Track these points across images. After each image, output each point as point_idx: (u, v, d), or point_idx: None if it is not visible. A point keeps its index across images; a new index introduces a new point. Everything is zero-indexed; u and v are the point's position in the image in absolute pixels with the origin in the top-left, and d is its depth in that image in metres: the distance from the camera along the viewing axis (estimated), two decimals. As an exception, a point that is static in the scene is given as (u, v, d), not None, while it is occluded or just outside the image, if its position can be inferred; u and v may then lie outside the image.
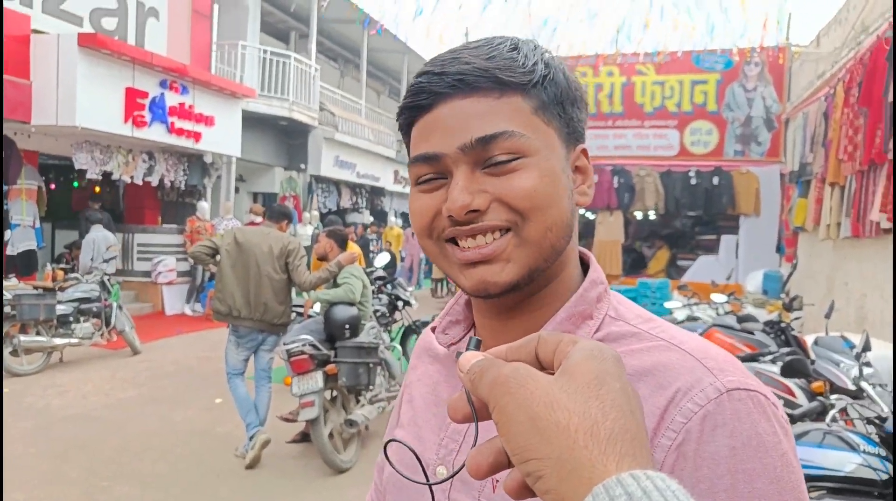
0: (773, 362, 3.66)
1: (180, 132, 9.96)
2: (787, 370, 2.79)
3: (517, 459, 0.37)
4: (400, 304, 6.47)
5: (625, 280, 10.33)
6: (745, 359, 4.06)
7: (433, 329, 0.76)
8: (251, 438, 4.33)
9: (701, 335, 4.42)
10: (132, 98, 9.08)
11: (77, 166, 9.40)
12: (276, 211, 4.76)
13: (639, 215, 12.38)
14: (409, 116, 0.66)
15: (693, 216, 12.20)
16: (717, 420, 0.53)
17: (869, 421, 2.58)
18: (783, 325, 4.42)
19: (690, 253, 11.72)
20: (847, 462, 2.38)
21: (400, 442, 0.57)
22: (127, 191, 11.69)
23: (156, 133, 9.54)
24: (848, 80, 6.51)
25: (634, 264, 12.27)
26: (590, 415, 0.36)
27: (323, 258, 4.91)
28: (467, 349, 0.46)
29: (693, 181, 10.67)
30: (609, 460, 0.35)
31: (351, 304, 4.66)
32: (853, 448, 2.42)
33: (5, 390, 5.80)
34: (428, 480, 0.53)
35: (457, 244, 0.63)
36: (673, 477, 0.34)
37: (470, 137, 0.61)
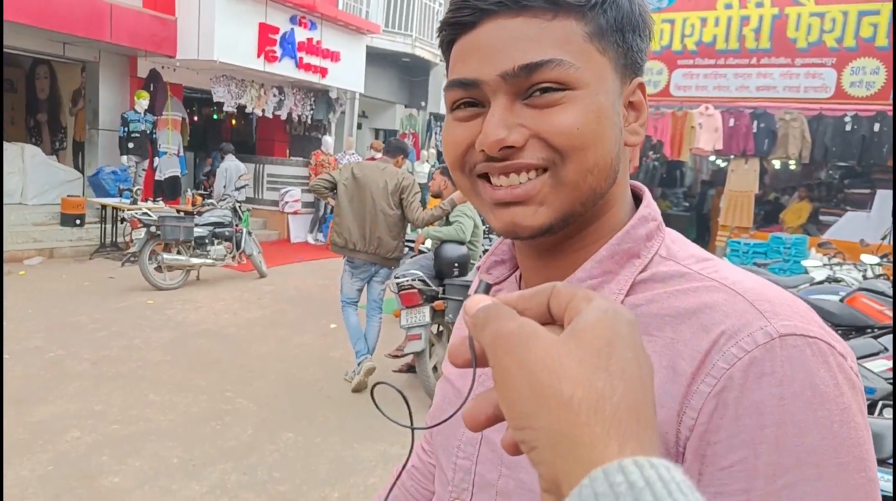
0: (931, 334, 3.23)
1: (308, 67, 10.25)
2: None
3: (513, 425, 0.35)
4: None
5: (756, 234, 9.54)
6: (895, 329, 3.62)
7: (478, 268, 0.72)
8: (359, 364, 4.52)
9: (844, 298, 3.99)
10: (265, 33, 9.41)
11: (215, 99, 9.99)
12: (392, 146, 4.78)
13: (777, 163, 11.29)
14: (451, 32, 0.60)
15: (843, 167, 10.94)
16: (765, 368, 0.49)
17: None
18: (946, 293, 3.87)
19: (836, 208, 10.57)
20: None
21: (389, 384, 0.55)
22: (259, 124, 12.32)
23: (285, 68, 9.88)
24: None
25: (768, 216, 11.28)
26: (596, 388, 0.33)
27: (437, 196, 4.90)
28: (476, 291, 0.42)
29: (848, 127, 9.49)
30: (612, 441, 0.31)
31: (461, 243, 4.64)
32: None
33: (149, 302, 6.44)
34: (412, 424, 0.52)
35: (489, 181, 0.59)
36: (678, 467, 0.30)
37: (513, 63, 0.55)
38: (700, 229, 11.64)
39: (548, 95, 0.55)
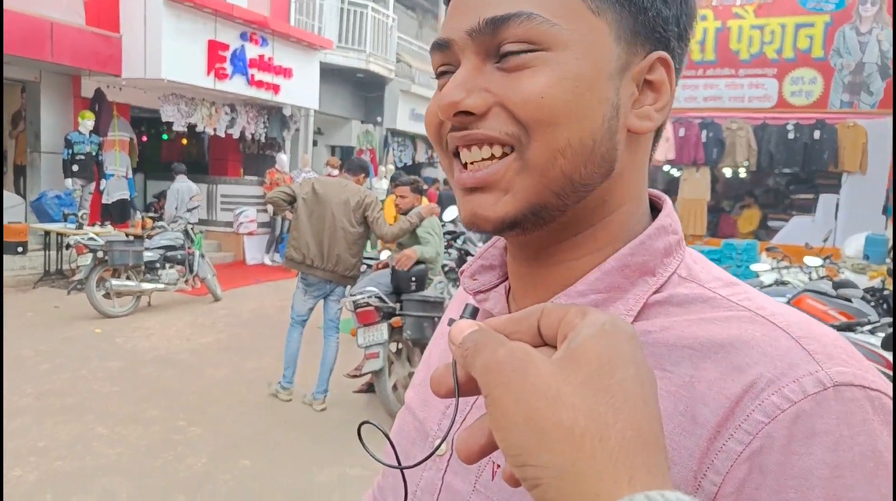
0: (873, 332, 3.33)
1: (260, 84, 10.12)
2: (890, 343, 2.50)
3: (512, 462, 0.32)
4: (469, 259, 6.38)
5: (709, 241, 9.78)
6: (839, 328, 3.72)
7: (461, 273, 0.63)
8: (281, 386, 4.61)
9: (790, 301, 4.09)
10: (214, 51, 9.26)
11: (164, 118, 9.76)
12: (354, 164, 4.74)
13: (728, 171, 11.63)
14: None
15: (788, 174, 11.33)
16: (817, 426, 0.39)
17: None
18: (886, 292, 4.01)
19: (783, 213, 10.94)
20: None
21: (374, 425, 0.48)
22: (212, 143, 12.09)
23: (236, 85, 9.74)
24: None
25: (720, 224, 11.60)
26: (598, 414, 0.30)
27: (404, 213, 4.87)
28: (461, 316, 0.39)
29: (791, 135, 9.84)
30: (620, 474, 0.29)
31: (434, 260, 4.64)
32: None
33: (97, 330, 6.20)
34: (400, 464, 0.46)
35: (459, 160, 0.50)
36: (691, 498, 0.27)
37: (479, 17, 0.47)
38: (655, 237, 11.89)
39: (516, 57, 0.47)
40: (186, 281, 7.41)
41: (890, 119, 9.74)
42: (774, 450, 0.39)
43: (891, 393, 0.42)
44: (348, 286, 4.58)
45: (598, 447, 0.30)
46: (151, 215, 9.25)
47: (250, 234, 10.94)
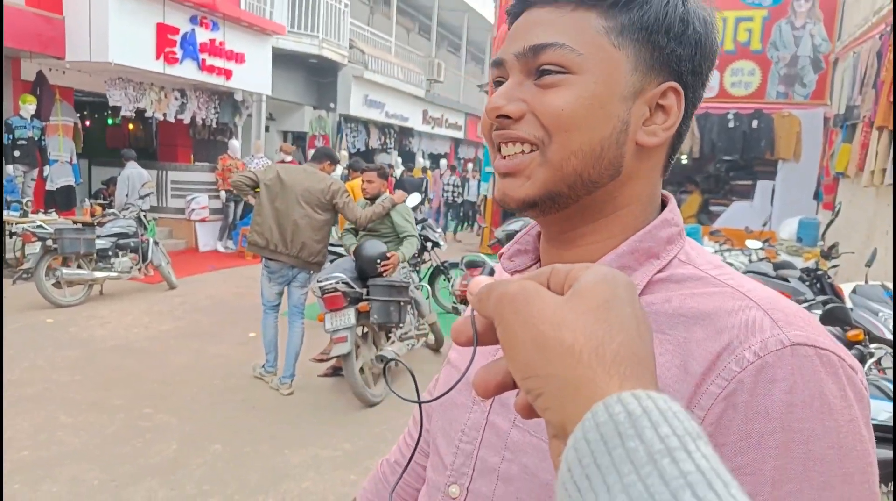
0: (809, 310, 3.62)
1: (211, 69, 9.92)
2: (827, 318, 2.76)
3: (519, 376, 0.36)
4: (429, 245, 6.49)
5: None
6: (778, 306, 4.01)
7: (500, 256, 0.75)
8: (264, 368, 4.71)
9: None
10: (163, 34, 9.03)
11: (111, 103, 9.47)
12: (320, 152, 4.76)
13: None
14: (509, 21, 0.67)
15: (728, 161, 11.85)
16: (776, 374, 0.50)
17: (904, 370, 2.55)
18: (820, 273, 4.34)
19: (724, 199, 11.46)
20: (881, 411, 2.37)
21: (401, 362, 0.64)
22: (160, 128, 11.78)
23: (187, 70, 9.52)
24: (906, 16, 6.15)
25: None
26: (596, 335, 0.35)
27: (372, 198, 4.93)
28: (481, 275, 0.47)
29: (731, 124, 10.31)
30: (612, 380, 0.33)
31: (385, 240, 4.73)
32: (888, 396, 2.41)
33: (49, 320, 6.05)
34: (419, 398, 0.58)
35: (499, 152, 0.64)
36: (675, 401, 0.32)
37: (524, 44, 0.61)
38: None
39: (548, 76, 0.59)
40: (140, 269, 7.28)
41: (821, 110, 10.31)
42: (744, 392, 0.50)
43: (839, 353, 0.52)
44: (313, 272, 4.63)
45: (595, 359, 0.34)
46: (101, 202, 8.98)
47: (202, 221, 10.76)
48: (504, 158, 0.62)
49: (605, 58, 0.59)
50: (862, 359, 2.73)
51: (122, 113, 9.69)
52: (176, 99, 10.17)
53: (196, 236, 10.72)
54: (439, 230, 7.17)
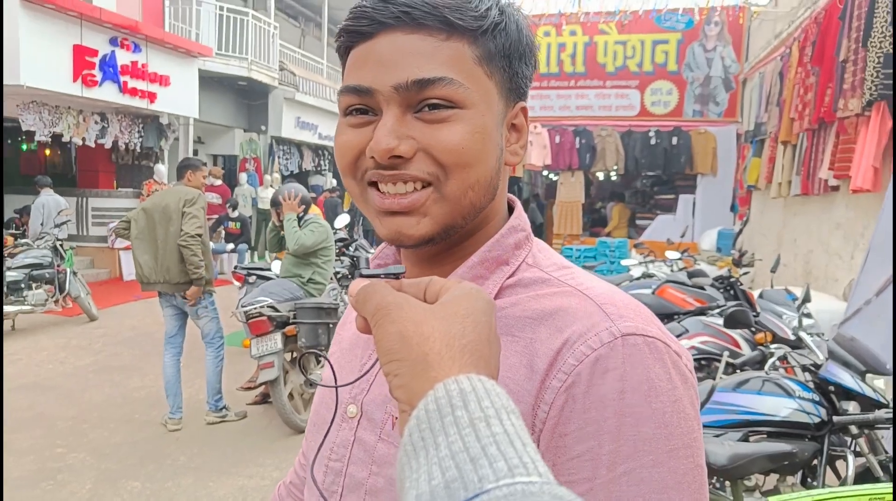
0: (720, 314, 3.79)
1: (134, 92, 9.62)
2: (730, 321, 2.89)
3: (383, 361, 0.43)
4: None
5: (585, 240, 10.46)
6: (694, 313, 4.19)
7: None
8: (169, 416, 4.33)
9: (654, 291, 4.54)
10: (80, 56, 8.71)
11: (24, 128, 9.03)
12: (180, 166, 4.63)
13: (600, 175, 12.49)
14: (348, 40, 0.62)
15: (652, 176, 12.36)
16: (609, 364, 0.53)
17: (805, 368, 2.69)
18: (732, 279, 4.56)
19: (649, 212, 11.94)
20: (783, 408, 2.49)
21: (317, 353, 0.75)
22: (79, 154, 11.31)
23: (107, 93, 9.20)
24: (803, 39, 6.60)
25: (595, 223, 12.43)
26: (450, 332, 0.42)
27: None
28: (359, 274, 0.52)
29: (653, 141, 10.78)
30: (454, 365, 0.41)
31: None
32: (789, 394, 2.54)
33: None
34: (336, 382, 0.63)
35: (378, 190, 0.61)
36: (502, 388, 0.39)
37: (406, 77, 0.57)
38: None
39: (437, 111, 0.58)
40: (56, 301, 6.91)
41: (734, 127, 10.90)
42: (581, 383, 0.53)
43: (665, 340, 0.56)
44: (205, 296, 4.37)
45: (445, 348, 0.41)
46: (13, 232, 8.52)
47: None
48: (390, 196, 0.60)
49: (484, 88, 0.60)
50: (765, 359, 2.87)
51: (38, 138, 9.25)
52: (96, 123, 9.79)
53: (120, 264, 10.29)
54: (372, 251, 7.15)
